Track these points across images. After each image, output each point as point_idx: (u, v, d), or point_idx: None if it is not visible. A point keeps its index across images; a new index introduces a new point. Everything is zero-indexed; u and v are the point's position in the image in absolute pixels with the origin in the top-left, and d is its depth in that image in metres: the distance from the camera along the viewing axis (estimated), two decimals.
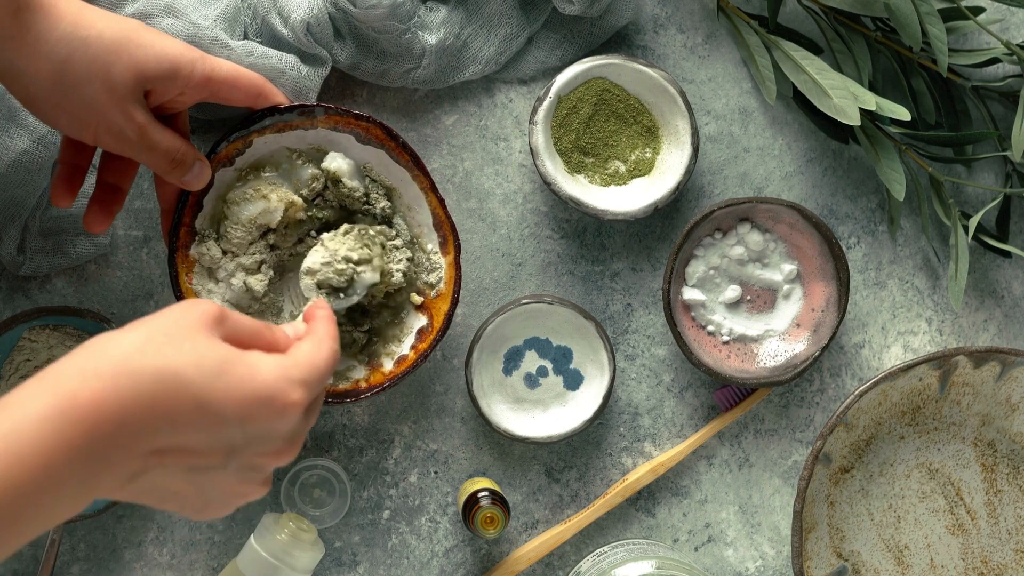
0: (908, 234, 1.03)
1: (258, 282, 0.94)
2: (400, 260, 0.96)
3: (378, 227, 0.95)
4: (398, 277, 0.95)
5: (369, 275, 0.93)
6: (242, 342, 0.71)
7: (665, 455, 1.01)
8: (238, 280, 0.94)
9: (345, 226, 0.94)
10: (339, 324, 0.94)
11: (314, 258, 0.92)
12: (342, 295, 0.93)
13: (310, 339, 0.75)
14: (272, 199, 0.93)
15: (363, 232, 0.94)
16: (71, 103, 0.81)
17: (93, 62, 0.80)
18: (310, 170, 0.95)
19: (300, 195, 0.95)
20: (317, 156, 0.95)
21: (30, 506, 0.60)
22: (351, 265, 0.92)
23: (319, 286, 0.92)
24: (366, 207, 0.96)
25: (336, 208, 0.96)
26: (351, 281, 0.92)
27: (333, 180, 0.94)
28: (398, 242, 0.96)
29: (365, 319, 0.96)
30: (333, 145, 0.95)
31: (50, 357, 0.96)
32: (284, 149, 0.95)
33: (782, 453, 1.03)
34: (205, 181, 0.90)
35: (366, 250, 0.93)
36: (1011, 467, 1.01)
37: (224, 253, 0.94)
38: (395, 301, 0.97)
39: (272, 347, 0.73)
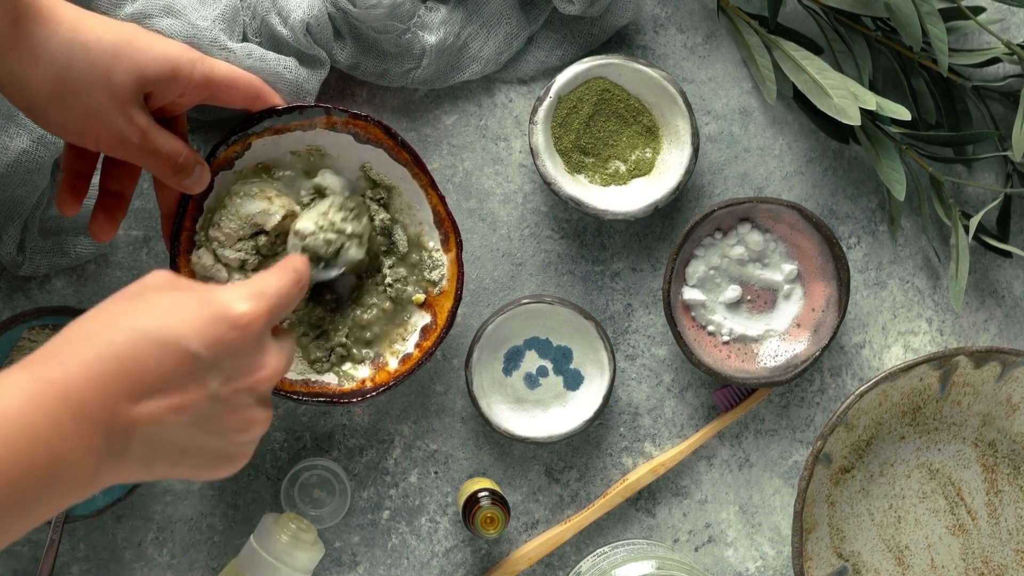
0: (908, 234, 1.03)
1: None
2: (397, 275, 0.97)
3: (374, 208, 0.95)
4: (397, 288, 0.96)
5: (355, 251, 0.93)
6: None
7: (665, 455, 1.01)
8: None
9: (346, 195, 0.94)
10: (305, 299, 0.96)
11: (307, 221, 0.92)
12: (322, 264, 0.92)
13: (268, 270, 0.78)
14: (275, 203, 0.93)
15: (359, 204, 0.94)
16: (73, 109, 0.81)
17: (93, 67, 0.80)
18: (304, 183, 0.95)
19: (301, 203, 0.95)
20: (313, 168, 0.96)
21: (21, 483, 0.62)
22: (343, 236, 0.92)
23: (304, 250, 0.92)
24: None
25: None
26: (336, 253, 0.92)
27: (323, 195, 0.95)
28: (392, 260, 0.97)
29: (329, 293, 0.97)
30: (332, 146, 0.95)
31: None
32: (289, 154, 0.95)
33: (782, 453, 1.03)
34: (205, 185, 0.90)
35: (357, 224, 0.93)
36: (1012, 467, 1.01)
37: (215, 258, 0.94)
38: (398, 305, 0.97)
39: None
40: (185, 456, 0.70)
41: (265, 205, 0.93)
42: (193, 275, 0.94)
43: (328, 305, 0.97)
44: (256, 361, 0.72)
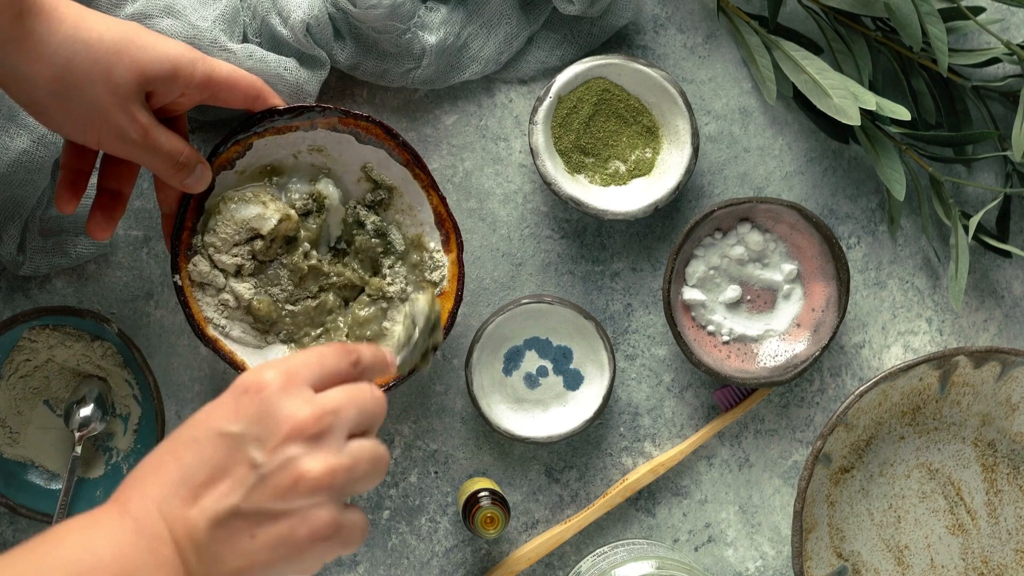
0: (908, 234, 1.03)
1: (245, 288, 0.94)
2: (397, 274, 0.97)
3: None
4: (396, 288, 0.96)
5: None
6: None
7: (665, 455, 1.01)
8: (227, 294, 0.94)
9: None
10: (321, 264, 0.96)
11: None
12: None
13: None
14: (269, 207, 0.93)
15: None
16: (74, 106, 0.81)
17: (95, 64, 0.80)
18: (303, 187, 0.95)
19: (295, 206, 0.95)
20: (315, 174, 0.96)
21: None
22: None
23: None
24: (358, 229, 0.96)
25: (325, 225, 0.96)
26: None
27: (319, 203, 0.95)
28: (390, 260, 0.97)
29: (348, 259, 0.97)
30: (333, 146, 0.95)
31: (49, 357, 0.97)
32: (291, 156, 0.95)
33: (782, 453, 1.03)
34: (206, 184, 0.90)
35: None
36: (1011, 467, 1.01)
37: (212, 266, 0.94)
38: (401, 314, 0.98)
39: None
40: (259, 540, 0.67)
41: (260, 210, 0.93)
42: (192, 280, 0.94)
43: (328, 304, 0.97)
44: (283, 413, 0.68)
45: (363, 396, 0.71)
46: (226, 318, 0.95)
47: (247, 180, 0.95)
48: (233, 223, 0.93)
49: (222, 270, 0.94)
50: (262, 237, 0.94)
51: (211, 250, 0.93)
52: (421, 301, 0.84)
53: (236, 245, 0.94)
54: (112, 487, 0.97)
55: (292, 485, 0.67)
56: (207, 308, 0.95)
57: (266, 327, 0.96)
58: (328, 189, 0.95)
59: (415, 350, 0.83)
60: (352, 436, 0.71)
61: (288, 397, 0.69)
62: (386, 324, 0.98)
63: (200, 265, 0.93)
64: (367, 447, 0.70)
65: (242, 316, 0.96)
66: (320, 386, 0.71)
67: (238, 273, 0.95)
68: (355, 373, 0.73)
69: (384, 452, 0.72)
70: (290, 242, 0.95)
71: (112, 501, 0.69)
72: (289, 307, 0.96)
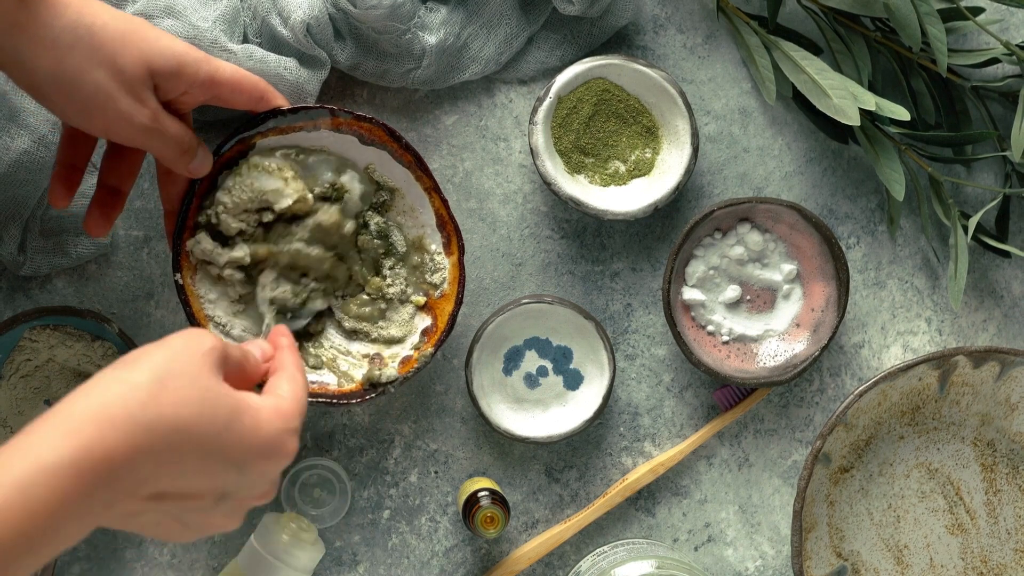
0: (908, 234, 1.03)
1: (241, 251, 0.93)
2: (398, 275, 0.97)
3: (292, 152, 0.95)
4: (396, 289, 0.96)
5: (319, 303, 0.96)
6: (233, 377, 0.74)
7: (665, 455, 1.01)
8: (230, 271, 0.94)
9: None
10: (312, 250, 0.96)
11: (269, 274, 0.94)
12: (290, 315, 0.96)
13: (286, 378, 0.78)
14: (289, 185, 0.93)
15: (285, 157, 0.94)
16: (78, 92, 0.81)
17: (98, 50, 0.80)
18: (328, 175, 0.95)
19: (314, 190, 0.94)
20: (340, 164, 0.96)
21: (31, 548, 0.62)
22: (305, 289, 0.95)
23: (272, 302, 0.94)
24: (362, 229, 0.96)
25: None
26: (304, 304, 0.95)
27: (338, 194, 0.95)
28: (391, 262, 0.97)
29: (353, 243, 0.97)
30: (336, 147, 0.95)
31: (50, 357, 0.97)
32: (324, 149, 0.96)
33: (782, 453, 1.03)
34: (209, 167, 0.90)
35: (317, 283, 0.96)
36: (1010, 467, 1.02)
37: (215, 244, 0.93)
38: (400, 315, 0.98)
39: (253, 378, 0.79)
40: (152, 526, 0.70)
41: (280, 184, 0.92)
42: (195, 271, 0.94)
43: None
44: (270, 488, 0.74)
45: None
46: (231, 315, 0.95)
47: (280, 152, 0.94)
48: (250, 190, 0.92)
49: (224, 235, 0.93)
50: (272, 211, 0.93)
51: (220, 208, 0.92)
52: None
53: (246, 211, 0.93)
54: None
55: (216, 525, 0.73)
56: (212, 307, 0.95)
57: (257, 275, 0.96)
58: (350, 184, 0.95)
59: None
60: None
61: (281, 466, 0.74)
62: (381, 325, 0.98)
63: (204, 243, 0.93)
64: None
65: (247, 312, 0.95)
66: None
67: (239, 235, 0.93)
68: None
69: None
70: (299, 219, 0.95)
71: (88, 421, 0.64)
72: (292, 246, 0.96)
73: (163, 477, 0.66)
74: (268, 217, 0.93)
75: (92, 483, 0.63)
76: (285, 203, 0.92)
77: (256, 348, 0.81)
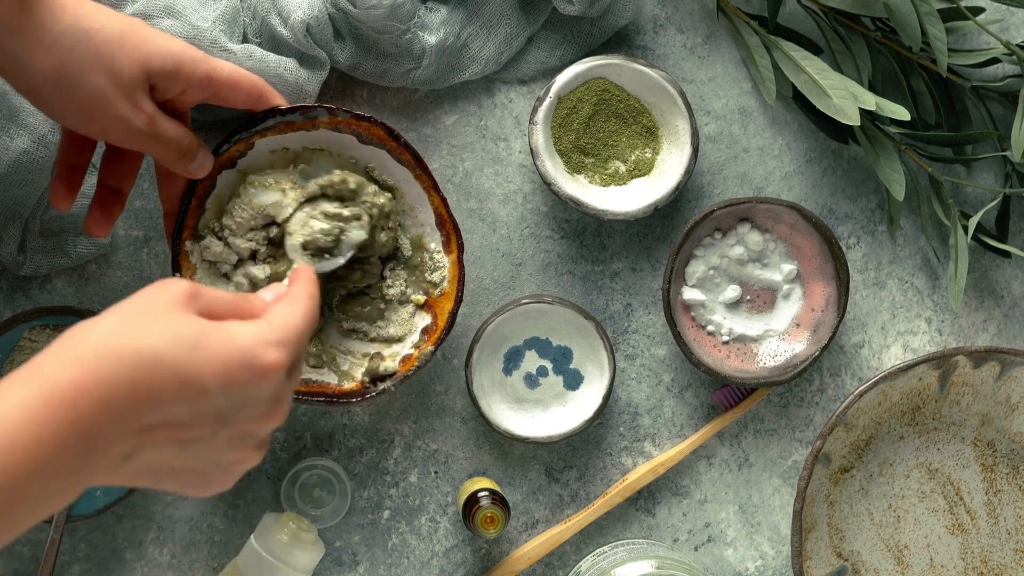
0: (908, 234, 1.03)
1: (261, 271, 0.94)
2: (398, 277, 0.97)
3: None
4: (396, 290, 0.96)
5: (356, 233, 0.92)
6: (218, 315, 0.71)
7: (665, 455, 1.01)
8: (241, 277, 0.94)
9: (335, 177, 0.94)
10: (325, 283, 0.95)
11: (299, 216, 0.92)
12: (327, 256, 0.92)
13: (286, 300, 0.75)
14: (288, 195, 0.93)
15: (354, 185, 0.94)
16: (76, 95, 0.81)
17: (96, 53, 0.80)
18: (334, 177, 0.95)
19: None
20: (342, 165, 0.95)
21: (20, 497, 0.61)
22: (338, 224, 0.92)
23: (304, 247, 0.92)
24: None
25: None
26: (338, 241, 0.92)
27: (352, 190, 0.94)
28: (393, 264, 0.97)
29: (350, 275, 0.96)
30: (335, 146, 0.95)
31: None
32: (325, 151, 0.95)
33: (782, 453, 1.03)
34: (208, 169, 0.90)
35: (353, 206, 0.93)
36: (1011, 467, 1.01)
37: (225, 245, 0.93)
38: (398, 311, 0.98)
39: (250, 316, 0.73)
40: (174, 474, 0.69)
41: (278, 197, 0.93)
42: (195, 272, 0.94)
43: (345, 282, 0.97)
44: (270, 409, 0.71)
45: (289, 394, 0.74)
46: None
47: (272, 165, 0.95)
48: (251, 208, 0.93)
49: (236, 253, 0.94)
50: (278, 224, 0.93)
51: (227, 232, 0.93)
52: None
53: (252, 230, 0.93)
54: (112, 487, 0.97)
55: (234, 462, 0.72)
56: None
57: None
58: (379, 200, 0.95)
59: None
60: None
61: (274, 388, 0.70)
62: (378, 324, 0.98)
63: (214, 246, 0.93)
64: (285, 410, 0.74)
65: None
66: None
67: (252, 258, 0.94)
68: None
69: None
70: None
71: (59, 363, 0.63)
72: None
73: (143, 408, 0.64)
74: (275, 231, 0.93)
75: (65, 419, 0.62)
76: (287, 212, 0.93)
77: (268, 292, 0.79)
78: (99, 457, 0.64)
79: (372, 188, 0.94)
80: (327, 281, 0.96)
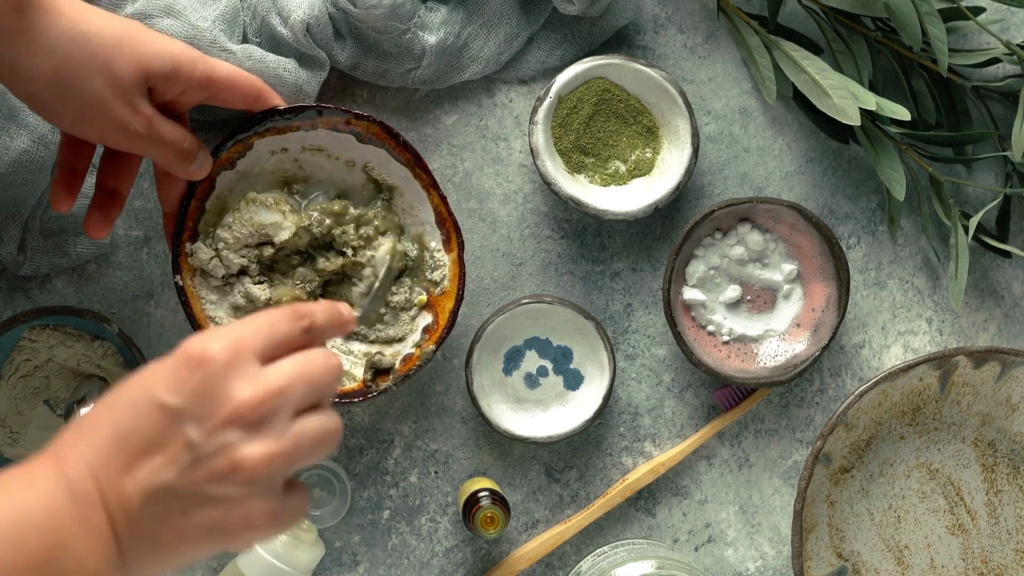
0: (908, 234, 1.03)
1: (262, 292, 0.94)
2: (402, 283, 0.97)
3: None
4: (400, 298, 0.97)
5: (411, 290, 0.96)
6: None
7: (665, 455, 1.01)
8: (239, 297, 0.94)
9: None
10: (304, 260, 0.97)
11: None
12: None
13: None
14: (288, 218, 0.94)
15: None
16: (74, 99, 0.81)
17: (94, 57, 0.80)
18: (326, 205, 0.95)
19: (310, 225, 0.94)
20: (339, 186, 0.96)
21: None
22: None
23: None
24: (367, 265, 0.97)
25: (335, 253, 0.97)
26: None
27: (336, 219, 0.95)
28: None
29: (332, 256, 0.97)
30: (334, 146, 0.95)
31: (50, 357, 0.97)
32: (321, 167, 0.95)
33: (782, 453, 1.03)
34: (208, 170, 0.90)
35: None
36: (1011, 467, 1.01)
37: (215, 254, 0.94)
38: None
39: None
40: (193, 520, 0.66)
41: (278, 218, 0.93)
42: (195, 271, 0.94)
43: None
44: (225, 394, 0.65)
45: (314, 369, 0.69)
46: (234, 318, 0.95)
47: (270, 187, 0.95)
48: (250, 224, 0.93)
49: (226, 266, 0.94)
50: (272, 244, 0.94)
51: (221, 245, 0.93)
52: (382, 250, 0.85)
53: (246, 247, 0.94)
54: None
55: (228, 472, 0.65)
56: (213, 308, 0.95)
57: None
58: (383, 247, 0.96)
59: (376, 300, 0.84)
60: (302, 410, 0.68)
61: (233, 375, 0.66)
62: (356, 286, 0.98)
63: (201, 252, 0.93)
64: (312, 427, 0.68)
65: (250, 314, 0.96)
66: (270, 355, 0.68)
67: (242, 273, 0.95)
68: (308, 338, 0.71)
69: (333, 425, 0.69)
70: (302, 254, 0.96)
71: (47, 455, 0.66)
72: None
73: (129, 441, 0.65)
74: (268, 251, 0.94)
75: (78, 482, 0.64)
76: (284, 236, 0.93)
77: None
78: (100, 519, 0.65)
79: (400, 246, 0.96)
80: (326, 285, 0.97)
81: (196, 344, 0.66)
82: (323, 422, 0.68)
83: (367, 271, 0.95)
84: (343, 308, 0.74)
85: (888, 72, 1.02)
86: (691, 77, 1.02)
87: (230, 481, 0.65)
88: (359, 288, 0.94)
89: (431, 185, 0.95)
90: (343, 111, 0.93)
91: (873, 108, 0.94)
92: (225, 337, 0.67)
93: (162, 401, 0.65)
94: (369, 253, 0.95)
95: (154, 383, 0.66)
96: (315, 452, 0.68)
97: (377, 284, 0.87)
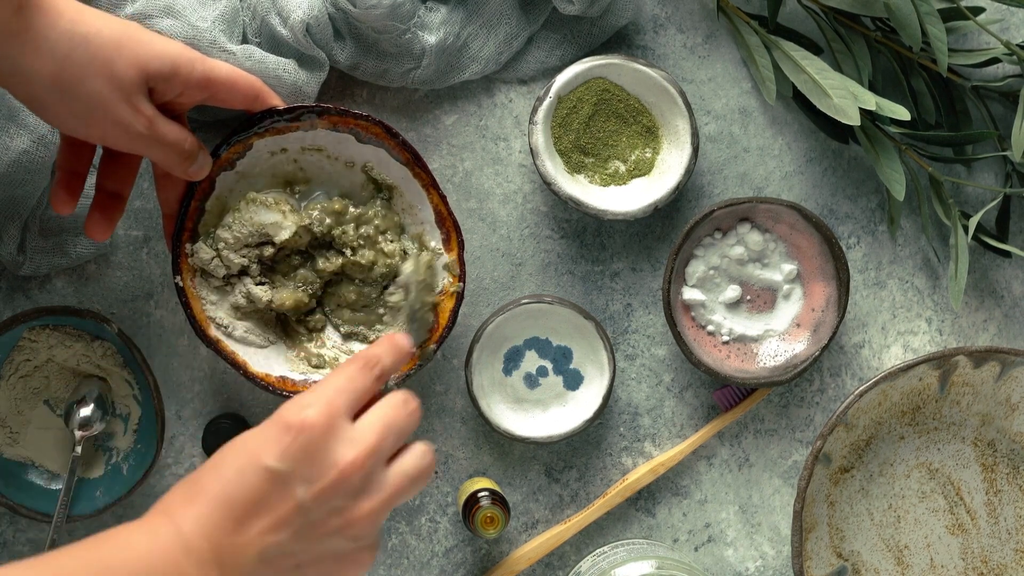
0: (908, 234, 1.03)
1: (264, 293, 0.94)
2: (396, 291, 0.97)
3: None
4: (397, 297, 0.97)
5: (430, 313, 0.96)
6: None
7: (665, 455, 1.01)
8: (240, 297, 0.94)
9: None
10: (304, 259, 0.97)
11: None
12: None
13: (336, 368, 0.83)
14: (288, 218, 0.94)
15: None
16: (75, 100, 0.81)
17: (94, 58, 0.80)
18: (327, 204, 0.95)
19: (310, 224, 0.94)
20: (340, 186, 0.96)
21: None
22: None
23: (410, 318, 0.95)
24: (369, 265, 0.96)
25: (335, 253, 0.96)
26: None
27: (366, 235, 0.95)
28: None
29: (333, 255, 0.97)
30: (334, 146, 0.95)
31: (50, 357, 0.97)
32: (320, 168, 0.95)
33: (782, 453, 1.03)
34: (208, 171, 0.90)
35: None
36: (1011, 467, 1.01)
37: (216, 254, 0.94)
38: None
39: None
40: (303, 570, 0.73)
41: (278, 218, 0.94)
42: (195, 271, 0.94)
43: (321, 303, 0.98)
44: (329, 459, 0.73)
45: (399, 417, 0.76)
46: (235, 318, 0.95)
47: (270, 188, 0.95)
48: (250, 224, 0.93)
49: (227, 266, 0.94)
50: (272, 244, 0.94)
51: (221, 245, 0.93)
52: (408, 267, 0.87)
53: (246, 247, 0.94)
54: (112, 487, 0.97)
55: (340, 530, 0.73)
56: (213, 309, 0.95)
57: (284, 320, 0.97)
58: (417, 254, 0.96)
59: (417, 319, 0.86)
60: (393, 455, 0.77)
61: (332, 438, 0.73)
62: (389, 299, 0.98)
63: (201, 252, 0.93)
64: (406, 469, 0.76)
65: (251, 314, 0.96)
66: (355, 410, 0.76)
67: (243, 273, 0.95)
68: (381, 383, 0.79)
69: (424, 463, 0.77)
70: (297, 255, 0.96)
71: (158, 512, 0.71)
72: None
73: (240, 504, 0.71)
74: (268, 251, 0.94)
75: (195, 545, 0.70)
76: (285, 235, 0.93)
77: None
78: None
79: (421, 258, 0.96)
80: (327, 286, 0.97)
81: (293, 411, 0.73)
82: (415, 463, 0.77)
83: (396, 296, 0.96)
84: (400, 341, 0.81)
85: (888, 72, 1.02)
86: (691, 77, 1.02)
87: (342, 537, 0.73)
88: (399, 317, 0.96)
89: (431, 185, 0.95)
90: (342, 111, 0.93)
91: (873, 108, 0.94)
92: (318, 402, 0.74)
93: (268, 466, 0.71)
94: (383, 265, 0.96)
95: (257, 449, 0.72)
96: (412, 491, 0.77)
97: (414, 301, 0.90)
